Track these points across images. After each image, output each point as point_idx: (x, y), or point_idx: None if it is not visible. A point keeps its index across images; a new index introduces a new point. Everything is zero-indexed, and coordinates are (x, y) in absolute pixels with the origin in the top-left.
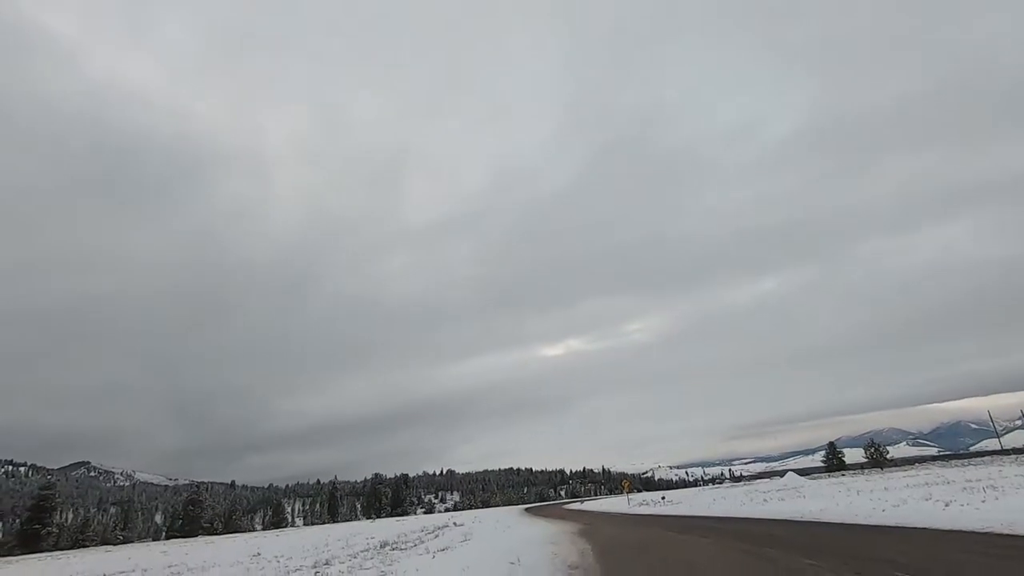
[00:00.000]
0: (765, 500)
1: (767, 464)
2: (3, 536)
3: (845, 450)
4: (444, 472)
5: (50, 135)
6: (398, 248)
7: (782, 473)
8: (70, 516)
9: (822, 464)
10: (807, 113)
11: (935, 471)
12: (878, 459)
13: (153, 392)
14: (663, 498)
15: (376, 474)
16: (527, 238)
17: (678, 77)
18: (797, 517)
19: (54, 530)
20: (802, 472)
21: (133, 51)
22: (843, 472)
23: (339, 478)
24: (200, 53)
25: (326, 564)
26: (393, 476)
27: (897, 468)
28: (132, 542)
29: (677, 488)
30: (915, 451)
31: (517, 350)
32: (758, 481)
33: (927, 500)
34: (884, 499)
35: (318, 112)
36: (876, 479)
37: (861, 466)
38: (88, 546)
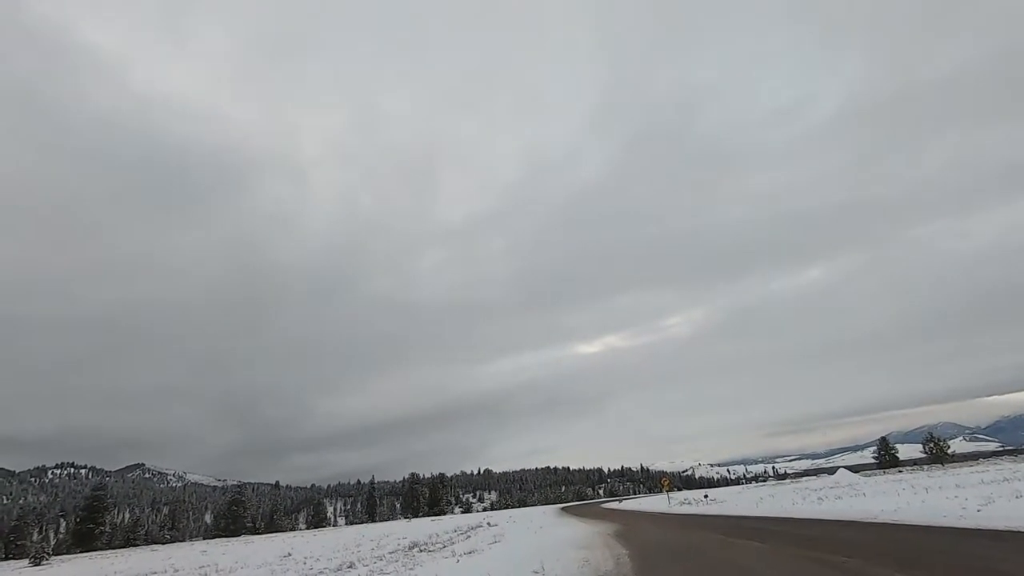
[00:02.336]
0: (820, 499)
1: (812, 461)
2: (63, 535)
3: (898, 446)
4: (481, 472)
5: (101, 148)
6: (432, 246)
7: (830, 470)
8: (126, 516)
9: (874, 460)
10: (855, 89)
11: (1007, 466)
12: (939, 454)
13: (201, 395)
14: (706, 496)
15: (413, 474)
16: (561, 231)
17: (716, 57)
18: (867, 518)
19: (107, 529)
20: (852, 469)
21: (174, 62)
22: (899, 469)
23: (378, 478)
24: (236, 61)
25: (349, 567)
26: (429, 476)
27: (960, 464)
28: (182, 541)
29: (718, 486)
30: (973, 447)
31: (553, 347)
32: (805, 479)
33: (1019, 497)
34: (964, 497)
35: (351, 111)
36: (940, 476)
37: (917, 462)
38: (138, 545)
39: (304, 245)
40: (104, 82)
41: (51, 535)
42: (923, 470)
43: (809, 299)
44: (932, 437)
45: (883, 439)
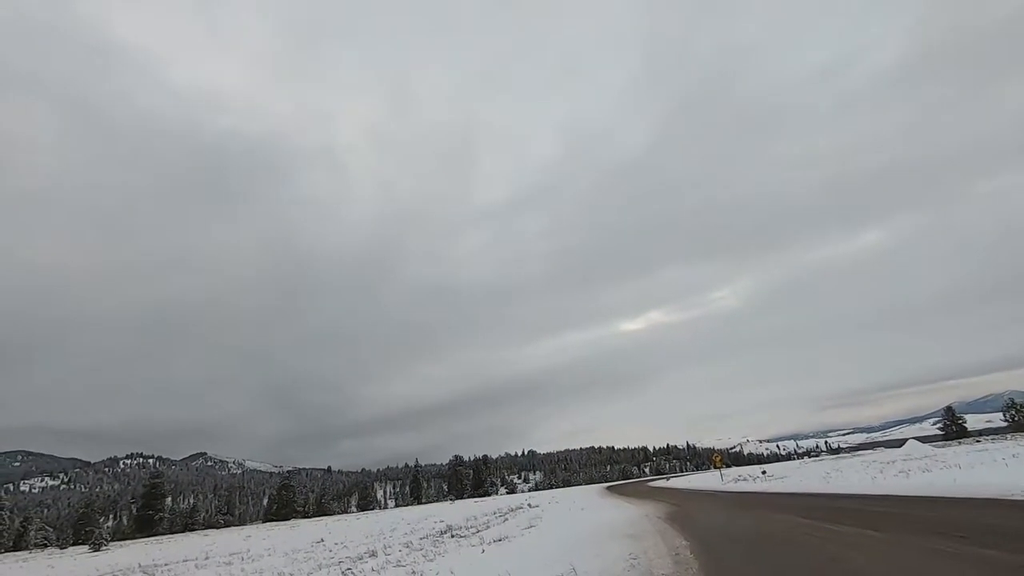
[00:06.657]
0: (903, 472)
1: (867, 435)
2: (126, 521)
3: (964, 415)
4: (526, 453)
5: (146, 148)
6: (471, 228)
7: (888, 443)
8: (190, 502)
9: (939, 432)
10: (913, 36)
11: None
12: (1022, 422)
13: (255, 386)
14: (764, 472)
15: (456, 456)
16: (602, 206)
17: (760, 9)
18: (1002, 495)
19: (166, 515)
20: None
21: (210, 55)
22: (977, 439)
23: (425, 461)
24: (270, 50)
25: (372, 555)
26: (472, 458)
27: None
28: (242, 524)
29: (769, 462)
30: None
31: (595, 326)
32: (863, 452)
33: None
34: None
35: (387, 95)
36: None
37: (984, 432)
38: (195, 529)
39: (345, 233)
40: (144, 81)
41: (124, 520)
42: (1006, 439)
43: (864, 264)
44: (1014, 403)
45: (948, 408)
